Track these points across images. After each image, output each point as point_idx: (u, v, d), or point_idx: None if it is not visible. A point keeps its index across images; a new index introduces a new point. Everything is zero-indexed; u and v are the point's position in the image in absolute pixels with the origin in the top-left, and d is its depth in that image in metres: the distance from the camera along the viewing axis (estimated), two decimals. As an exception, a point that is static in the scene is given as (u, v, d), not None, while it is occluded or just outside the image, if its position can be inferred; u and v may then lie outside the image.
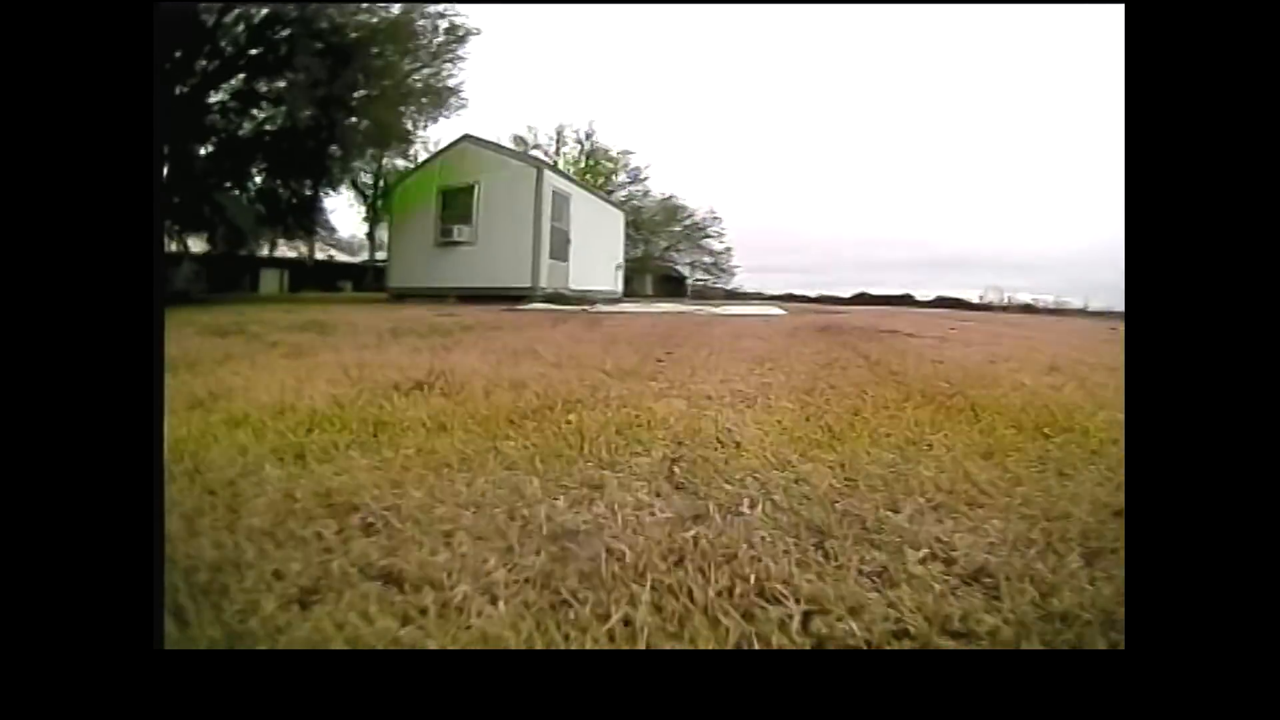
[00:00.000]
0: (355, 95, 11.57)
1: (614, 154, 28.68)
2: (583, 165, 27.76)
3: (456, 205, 11.68)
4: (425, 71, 14.21)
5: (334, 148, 12.15)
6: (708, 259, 30.85)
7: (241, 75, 11.22)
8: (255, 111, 11.74)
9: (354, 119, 12.03)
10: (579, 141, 28.24)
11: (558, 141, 27.97)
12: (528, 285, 10.80)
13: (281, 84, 11.04)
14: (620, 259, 16.49)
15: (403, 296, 11.23)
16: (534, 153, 24.01)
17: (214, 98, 11.23)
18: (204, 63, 10.68)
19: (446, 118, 15.10)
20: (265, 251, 16.36)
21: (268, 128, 11.82)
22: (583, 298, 11.42)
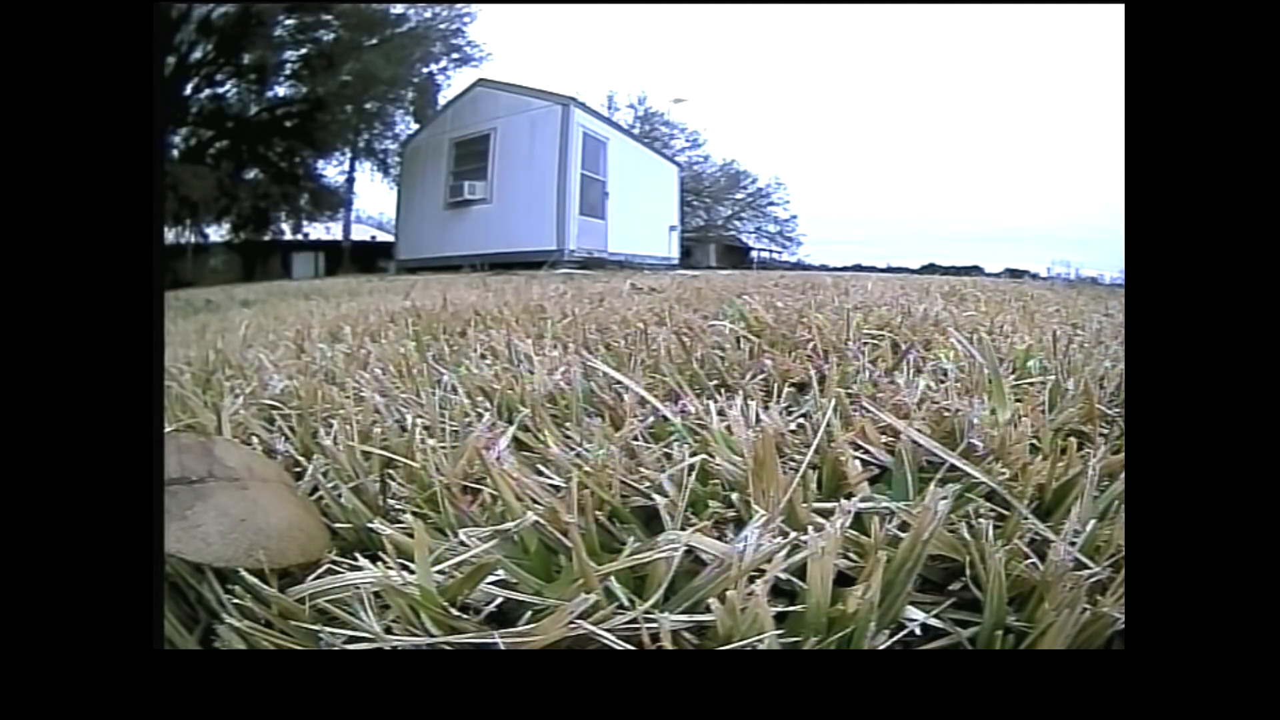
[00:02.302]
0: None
1: (670, 117, 26.57)
2: (638, 131, 25.57)
3: (470, 158, 9.81)
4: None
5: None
6: (772, 228, 28.82)
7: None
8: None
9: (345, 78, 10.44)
10: (632, 106, 26.33)
11: (608, 109, 25.93)
12: (553, 247, 8.79)
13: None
14: (675, 220, 14.18)
15: (414, 270, 9.43)
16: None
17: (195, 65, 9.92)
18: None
19: (475, 66, 13.14)
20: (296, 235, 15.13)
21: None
22: (626, 263, 9.32)
